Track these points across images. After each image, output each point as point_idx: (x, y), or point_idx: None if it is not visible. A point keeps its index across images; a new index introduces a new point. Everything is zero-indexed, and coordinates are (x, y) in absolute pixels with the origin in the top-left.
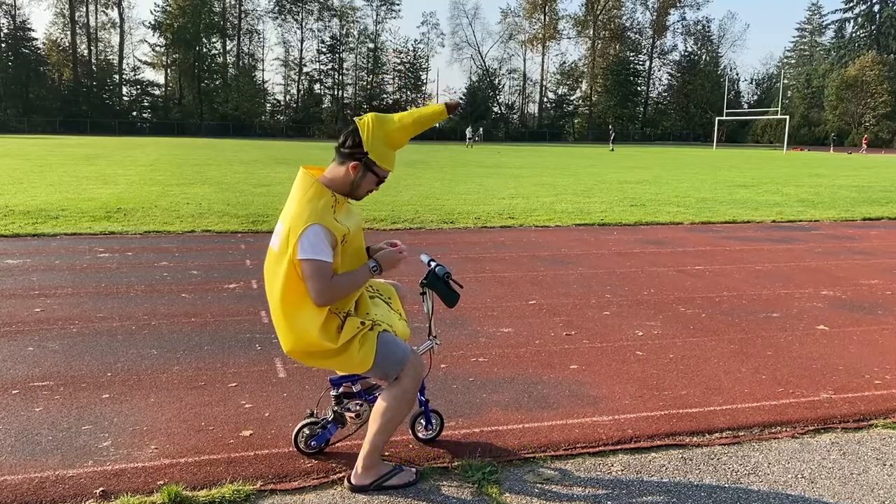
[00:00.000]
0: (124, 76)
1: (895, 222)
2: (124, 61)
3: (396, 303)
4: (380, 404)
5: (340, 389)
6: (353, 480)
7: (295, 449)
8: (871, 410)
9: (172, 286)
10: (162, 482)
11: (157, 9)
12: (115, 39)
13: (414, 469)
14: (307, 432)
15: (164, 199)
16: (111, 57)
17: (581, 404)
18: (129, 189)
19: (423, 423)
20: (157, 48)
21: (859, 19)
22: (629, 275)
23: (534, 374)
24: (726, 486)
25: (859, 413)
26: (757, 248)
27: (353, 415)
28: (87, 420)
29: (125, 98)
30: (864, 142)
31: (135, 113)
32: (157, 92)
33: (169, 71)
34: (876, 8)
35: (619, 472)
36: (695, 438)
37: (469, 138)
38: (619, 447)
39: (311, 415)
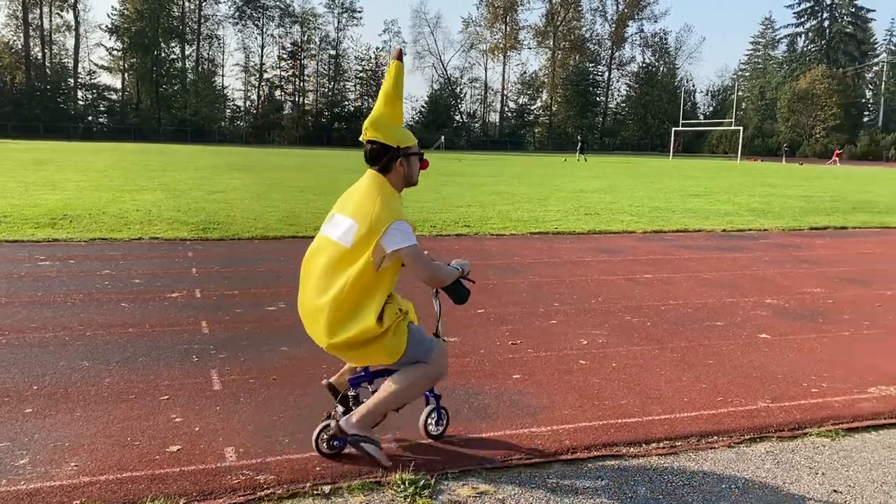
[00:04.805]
0: (80, 80)
1: (840, 231)
2: (80, 65)
3: (412, 315)
4: (399, 375)
5: (358, 390)
6: (342, 424)
7: (316, 452)
8: (806, 419)
9: (112, 295)
10: (78, 501)
11: (115, 12)
12: (71, 42)
13: (386, 457)
14: (326, 434)
15: (114, 205)
16: (66, 60)
17: (521, 415)
18: (77, 195)
19: (435, 417)
20: (115, 52)
21: (810, 34)
22: (579, 283)
23: (476, 384)
24: (661, 498)
25: (794, 421)
26: (706, 257)
27: None
28: (4, 437)
29: (80, 102)
30: (835, 155)
31: (91, 117)
32: (114, 96)
33: (126, 75)
34: (826, 24)
35: (554, 484)
36: (632, 449)
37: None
38: (555, 458)
39: (329, 417)
